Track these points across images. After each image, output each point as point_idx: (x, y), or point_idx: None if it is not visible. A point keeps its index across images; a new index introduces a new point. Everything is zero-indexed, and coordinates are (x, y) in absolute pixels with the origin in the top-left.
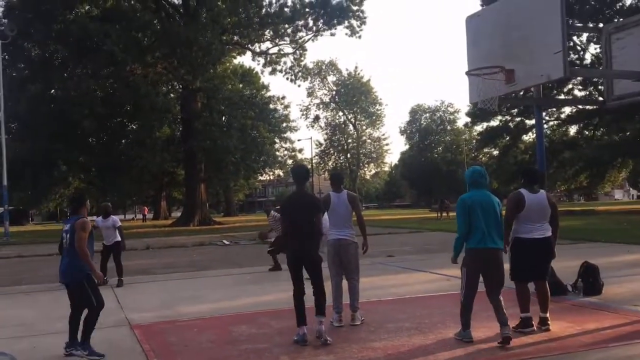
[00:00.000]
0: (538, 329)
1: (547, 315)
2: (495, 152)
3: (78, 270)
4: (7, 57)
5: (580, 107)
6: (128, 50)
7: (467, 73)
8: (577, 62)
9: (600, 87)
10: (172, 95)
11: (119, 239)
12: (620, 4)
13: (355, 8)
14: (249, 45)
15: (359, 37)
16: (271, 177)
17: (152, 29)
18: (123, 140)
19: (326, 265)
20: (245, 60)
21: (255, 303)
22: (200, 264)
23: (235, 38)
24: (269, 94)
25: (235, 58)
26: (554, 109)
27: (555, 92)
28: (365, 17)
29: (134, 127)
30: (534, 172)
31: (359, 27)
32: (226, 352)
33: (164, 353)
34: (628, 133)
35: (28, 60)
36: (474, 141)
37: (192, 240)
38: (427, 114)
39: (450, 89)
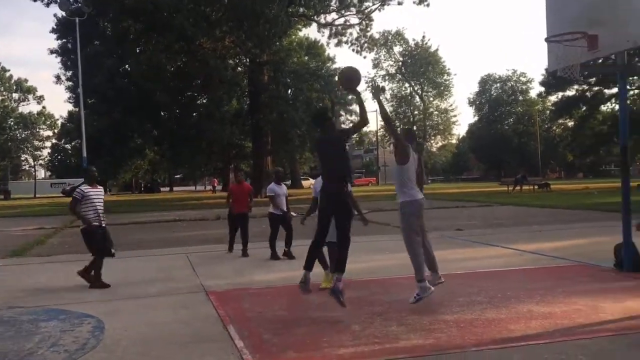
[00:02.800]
0: None
1: None
2: (571, 123)
3: None
4: (84, 33)
5: None
6: (198, 24)
7: (546, 40)
8: None
9: None
10: (239, 68)
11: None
12: None
13: None
14: (315, 17)
15: (427, 4)
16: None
17: (221, 3)
18: (194, 114)
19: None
20: (310, 32)
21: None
22: (267, 234)
23: (301, 10)
24: (334, 66)
25: (300, 30)
26: (636, 77)
27: (637, 59)
28: None
29: (204, 100)
30: None
31: None
32: (299, 319)
33: (239, 319)
34: None
35: (103, 36)
36: (548, 112)
37: (261, 211)
38: (498, 84)
39: (523, 57)
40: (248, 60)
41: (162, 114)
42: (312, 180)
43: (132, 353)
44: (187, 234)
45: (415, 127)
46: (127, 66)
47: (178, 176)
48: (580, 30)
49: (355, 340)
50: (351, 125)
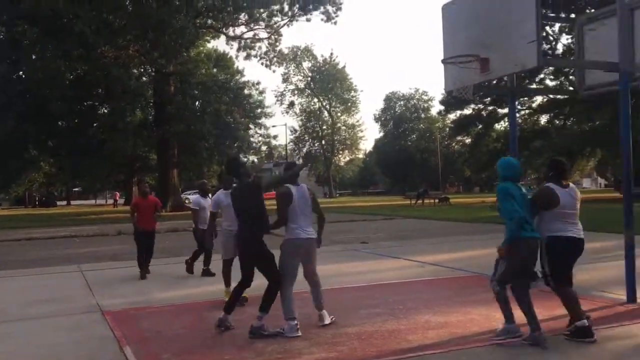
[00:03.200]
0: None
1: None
2: (468, 141)
3: None
4: None
5: (551, 96)
6: (99, 31)
7: (442, 61)
8: (550, 52)
9: (571, 77)
10: (144, 78)
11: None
12: None
13: None
14: (223, 29)
15: (335, 23)
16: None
17: (124, 11)
18: (94, 124)
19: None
20: (219, 44)
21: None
22: (173, 250)
23: (209, 21)
24: (243, 79)
25: (209, 42)
26: (526, 99)
27: (527, 81)
28: (341, 3)
29: (106, 110)
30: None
31: (334, 13)
32: (199, 338)
33: (136, 339)
34: (597, 123)
35: None
36: (448, 129)
37: (165, 226)
38: (402, 102)
39: (424, 76)
40: (153, 70)
41: (59, 123)
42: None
43: None
44: (84, 251)
45: (323, 142)
46: (21, 73)
47: (77, 189)
48: (473, 53)
49: (258, 357)
50: (265, 181)
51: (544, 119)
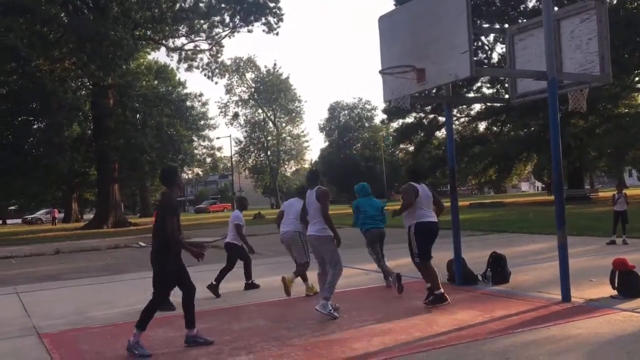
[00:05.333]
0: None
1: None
2: (411, 148)
3: None
4: None
5: (488, 104)
6: (33, 45)
7: (380, 72)
8: (485, 61)
9: (506, 85)
10: (82, 92)
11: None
12: (524, 5)
13: (272, 5)
14: (163, 41)
15: (277, 34)
16: (190, 176)
17: (59, 23)
18: (30, 139)
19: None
20: (160, 56)
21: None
22: (114, 267)
23: (149, 33)
24: (185, 91)
25: (149, 54)
26: (464, 106)
27: (465, 90)
28: (282, 14)
29: (41, 125)
30: (420, 170)
31: (276, 24)
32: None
33: None
34: (532, 129)
35: None
36: (391, 138)
37: (106, 243)
38: (346, 111)
39: (367, 86)
40: (91, 83)
41: None
42: None
43: None
44: (21, 271)
45: (269, 152)
46: None
47: (12, 208)
48: (409, 63)
49: None
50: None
51: (482, 125)
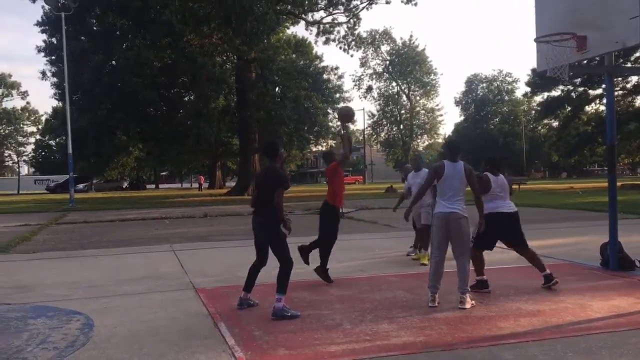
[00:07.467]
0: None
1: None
2: (556, 124)
3: None
4: (70, 29)
5: None
6: (185, 20)
7: (536, 40)
8: None
9: None
10: (227, 66)
11: None
12: None
13: None
14: (303, 15)
15: (415, 4)
16: (324, 148)
17: (209, 0)
18: (181, 111)
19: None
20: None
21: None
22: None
23: (289, 7)
24: (322, 64)
25: (288, 28)
26: (619, 79)
27: (621, 60)
28: None
29: (191, 97)
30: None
31: None
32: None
33: (229, 316)
34: None
35: (90, 31)
36: (533, 112)
37: (247, 209)
38: (484, 84)
39: (509, 57)
40: (235, 57)
41: (148, 110)
42: None
43: (122, 350)
44: (173, 232)
45: (401, 126)
46: (113, 62)
47: (164, 173)
48: (569, 31)
49: (347, 338)
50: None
51: (639, 100)
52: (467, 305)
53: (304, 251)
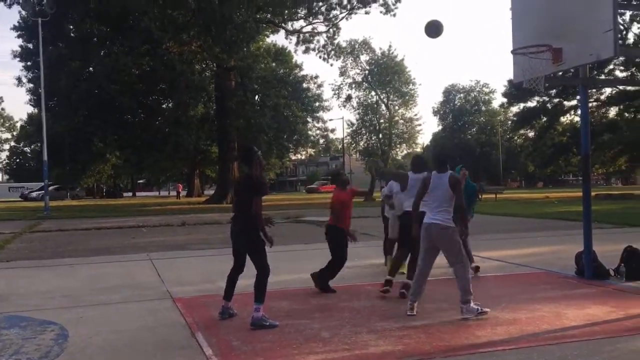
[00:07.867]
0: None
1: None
2: (532, 134)
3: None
4: (47, 34)
5: (621, 88)
6: (164, 27)
7: (512, 52)
8: (620, 41)
9: None
10: (207, 73)
11: None
12: None
13: None
14: (282, 24)
15: (394, 15)
16: (303, 157)
17: (188, 7)
18: (159, 118)
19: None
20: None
21: (293, 280)
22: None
23: (269, 16)
24: (302, 73)
25: (268, 37)
26: (594, 90)
27: (595, 72)
28: None
29: (170, 105)
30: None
31: (393, 4)
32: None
33: (206, 326)
34: None
35: (67, 37)
36: (510, 122)
37: (226, 217)
38: (462, 94)
39: (486, 68)
40: (215, 65)
41: (126, 117)
42: None
43: None
44: (150, 240)
45: (380, 135)
46: (91, 69)
47: (141, 181)
48: (545, 43)
49: (325, 347)
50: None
51: (613, 111)
52: (468, 315)
53: (323, 281)
